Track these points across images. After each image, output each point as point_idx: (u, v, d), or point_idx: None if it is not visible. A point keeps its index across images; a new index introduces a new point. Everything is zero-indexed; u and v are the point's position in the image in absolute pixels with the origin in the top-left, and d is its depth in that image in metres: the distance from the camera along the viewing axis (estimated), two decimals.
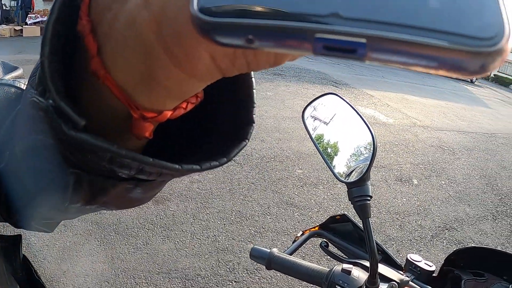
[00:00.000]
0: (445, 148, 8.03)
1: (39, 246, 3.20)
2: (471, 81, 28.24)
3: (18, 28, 16.37)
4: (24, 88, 0.43)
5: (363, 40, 0.15)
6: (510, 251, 3.74)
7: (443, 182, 6.16)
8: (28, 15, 17.54)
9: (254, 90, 0.34)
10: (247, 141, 0.33)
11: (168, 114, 0.29)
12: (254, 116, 0.34)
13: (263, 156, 5.68)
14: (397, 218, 4.68)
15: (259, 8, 0.16)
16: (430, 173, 6.41)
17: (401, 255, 3.88)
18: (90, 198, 0.32)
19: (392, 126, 8.76)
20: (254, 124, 0.34)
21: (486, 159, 7.91)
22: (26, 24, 17.09)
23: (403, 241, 4.19)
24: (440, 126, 9.82)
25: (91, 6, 0.26)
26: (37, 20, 17.59)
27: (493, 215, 5.34)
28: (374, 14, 0.15)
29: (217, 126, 0.35)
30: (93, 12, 0.26)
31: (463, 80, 27.26)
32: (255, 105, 0.34)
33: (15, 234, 0.55)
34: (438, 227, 4.69)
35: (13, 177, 0.37)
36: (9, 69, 0.50)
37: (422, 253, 4.03)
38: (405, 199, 5.26)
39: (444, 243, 4.34)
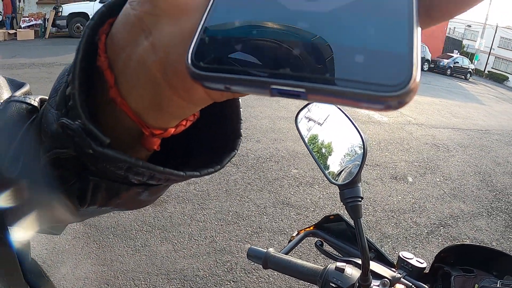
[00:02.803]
0: (440, 145, 8.10)
1: (38, 250, 3.23)
2: (465, 78, 28.36)
3: (12, 31, 16.36)
4: (33, 103, 0.47)
5: (303, 90, 0.21)
6: (505, 247, 3.75)
7: (438, 180, 6.22)
8: (22, 19, 17.53)
9: (240, 109, 0.41)
10: (236, 151, 0.40)
11: (172, 130, 0.35)
12: (241, 130, 0.41)
13: (259, 157, 5.73)
14: (392, 216, 4.73)
15: (233, 66, 0.22)
16: (425, 171, 6.47)
17: (396, 252, 3.92)
18: (106, 200, 0.38)
19: (386, 124, 8.83)
20: (241, 137, 0.41)
21: (481, 155, 7.98)
22: (20, 27, 17.08)
23: (399, 239, 4.24)
24: (435, 124, 9.89)
25: (107, 44, 0.31)
26: (31, 23, 17.58)
27: (487, 211, 5.40)
28: (312, 70, 0.21)
29: (211, 138, 0.41)
30: (109, 50, 0.31)
31: (457, 77, 27.40)
32: (241, 121, 0.41)
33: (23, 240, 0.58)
34: (433, 224, 4.74)
35: (28, 185, 0.41)
36: (17, 85, 0.54)
37: (417, 250, 4.08)
38: (400, 197, 5.31)
39: (439, 240, 4.39)
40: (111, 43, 0.31)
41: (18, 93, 0.50)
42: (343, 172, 1.05)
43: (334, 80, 0.20)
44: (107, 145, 0.32)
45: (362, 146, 0.99)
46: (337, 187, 1.02)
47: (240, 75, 0.22)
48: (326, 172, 1.06)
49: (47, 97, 0.46)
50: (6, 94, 0.50)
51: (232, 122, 0.41)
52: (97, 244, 3.48)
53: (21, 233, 0.57)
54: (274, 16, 0.23)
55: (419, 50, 0.20)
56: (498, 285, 1.08)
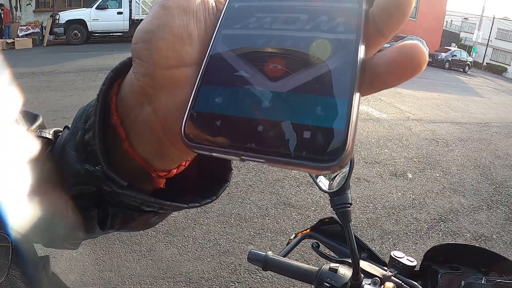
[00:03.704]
0: (439, 140, 8.13)
1: None
2: (464, 71, 28.30)
3: (10, 41, 16.38)
4: (48, 136, 0.54)
5: (263, 160, 0.28)
6: (506, 240, 3.78)
7: (437, 175, 6.26)
8: (20, 27, 17.56)
9: None
10: (228, 182, 0.47)
11: (174, 171, 0.42)
12: (232, 165, 0.47)
13: None
14: (392, 213, 4.78)
15: (214, 140, 0.29)
16: (424, 166, 6.52)
17: (397, 248, 3.97)
18: (123, 225, 0.46)
19: (385, 121, 8.86)
20: (232, 170, 0.48)
21: (480, 149, 8.00)
22: (18, 36, 17.10)
23: (399, 235, 4.29)
24: (434, 119, 9.91)
25: (118, 104, 0.38)
26: (29, 32, 17.61)
27: (488, 205, 5.44)
28: (271, 145, 0.27)
29: (207, 172, 0.48)
30: (120, 109, 0.38)
31: (455, 70, 27.34)
32: None
33: (44, 255, 0.65)
34: (434, 219, 4.79)
35: (52, 210, 0.48)
36: (31, 118, 0.59)
37: (418, 245, 4.13)
38: (400, 194, 5.37)
39: (440, 235, 4.44)
40: (121, 104, 0.38)
41: (34, 127, 0.56)
42: (334, 179, 1.12)
43: (287, 154, 0.27)
44: (125, 186, 0.39)
45: None
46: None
47: (219, 147, 0.29)
48: (318, 180, 1.13)
49: (61, 129, 0.53)
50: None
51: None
52: (103, 250, 3.55)
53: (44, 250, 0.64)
54: (244, 98, 0.30)
55: (354, 120, 0.26)
56: (483, 281, 1.14)
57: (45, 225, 0.49)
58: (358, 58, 0.28)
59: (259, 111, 0.29)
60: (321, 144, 0.26)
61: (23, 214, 0.47)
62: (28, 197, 0.48)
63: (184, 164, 0.43)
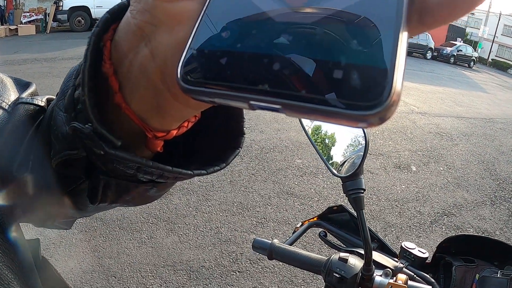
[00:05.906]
0: (443, 134, 8.08)
1: (45, 245, 3.26)
2: (469, 66, 28.18)
3: (13, 27, 16.35)
4: (40, 103, 0.49)
5: (279, 106, 0.22)
6: (509, 236, 3.74)
7: (441, 169, 6.21)
8: (23, 14, 17.53)
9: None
10: (240, 149, 0.41)
11: (174, 132, 0.36)
12: (244, 128, 0.42)
13: (263, 147, 5.75)
14: (396, 205, 4.74)
15: (217, 81, 0.24)
16: (428, 160, 6.47)
17: (400, 241, 3.93)
18: (116, 197, 0.40)
19: None
20: (244, 135, 0.42)
21: (484, 144, 7.95)
22: (21, 23, 17.07)
23: (403, 228, 4.26)
24: (438, 112, 9.85)
25: (112, 51, 0.33)
26: (32, 18, 17.56)
27: (491, 200, 5.40)
28: (289, 86, 0.21)
29: (215, 136, 0.42)
30: (113, 57, 0.33)
31: (460, 65, 27.23)
32: (244, 119, 0.42)
33: (33, 238, 0.60)
34: (437, 213, 4.75)
35: (38, 183, 0.43)
36: (23, 85, 0.54)
37: (421, 239, 4.10)
38: (404, 186, 5.32)
39: (443, 229, 4.40)
40: (115, 50, 0.32)
41: (25, 94, 0.51)
42: (345, 163, 1.07)
43: (311, 97, 0.20)
44: (119, 147, 0.33)
45: (364, 138, 1.00)
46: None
47: (223, 90, 0.23)
48: (329, 163, 1.08)
49: (54, 97, 0.48)
50: (13, 95, 0.50)
51: (235, 120, 0.42)
52: (103, 237, 3.52)
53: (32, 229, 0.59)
54: (258, 30, 0.24)
55: (402, 61, 0.20)
56: (498, 275, 1.09)
57: (32, 201, 0.45)
58: None
59: (275, 45, 0.23)
60: (357, 86, 0.20)
61: (7, 189, 0.42)
62: (14, 171, 0.43)
63: (186, 125, 0.37)
